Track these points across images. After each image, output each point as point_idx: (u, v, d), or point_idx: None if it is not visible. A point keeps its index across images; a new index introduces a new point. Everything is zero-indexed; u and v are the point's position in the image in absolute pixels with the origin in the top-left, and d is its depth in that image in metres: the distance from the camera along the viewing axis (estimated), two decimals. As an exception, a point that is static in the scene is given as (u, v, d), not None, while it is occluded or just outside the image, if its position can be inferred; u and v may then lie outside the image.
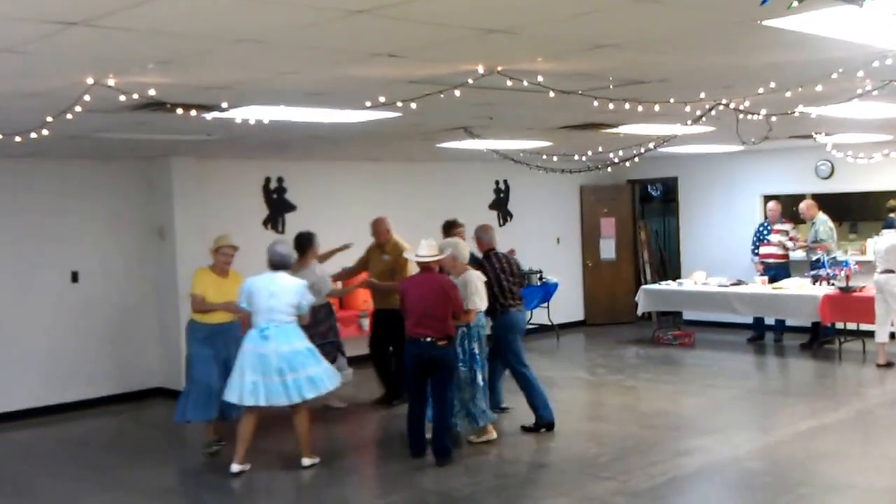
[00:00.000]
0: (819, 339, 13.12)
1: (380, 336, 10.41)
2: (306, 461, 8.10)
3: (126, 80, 5.55)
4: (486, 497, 7.34)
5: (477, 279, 8.51)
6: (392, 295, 9.53)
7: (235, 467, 8.01)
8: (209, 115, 6.94)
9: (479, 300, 8.42)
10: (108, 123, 7.65)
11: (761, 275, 13.59)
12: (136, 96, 5.76)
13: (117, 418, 10.67)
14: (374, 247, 10.49)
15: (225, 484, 8.08)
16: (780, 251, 13.80)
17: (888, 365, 11.43)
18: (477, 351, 8.52)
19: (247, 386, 7.84)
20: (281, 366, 7.82)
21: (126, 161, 11.35)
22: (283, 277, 8.07)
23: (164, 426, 10.37)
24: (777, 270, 13.71)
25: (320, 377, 8.04)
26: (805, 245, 13.70)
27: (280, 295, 7.94)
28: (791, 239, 13.83)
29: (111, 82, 5.53)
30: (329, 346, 9.55)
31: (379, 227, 10.41)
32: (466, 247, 8.82)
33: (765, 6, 3.66)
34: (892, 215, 14.24)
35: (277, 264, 8.13)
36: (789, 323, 13.73)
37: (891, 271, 11.19)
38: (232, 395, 7.98)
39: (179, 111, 6.31)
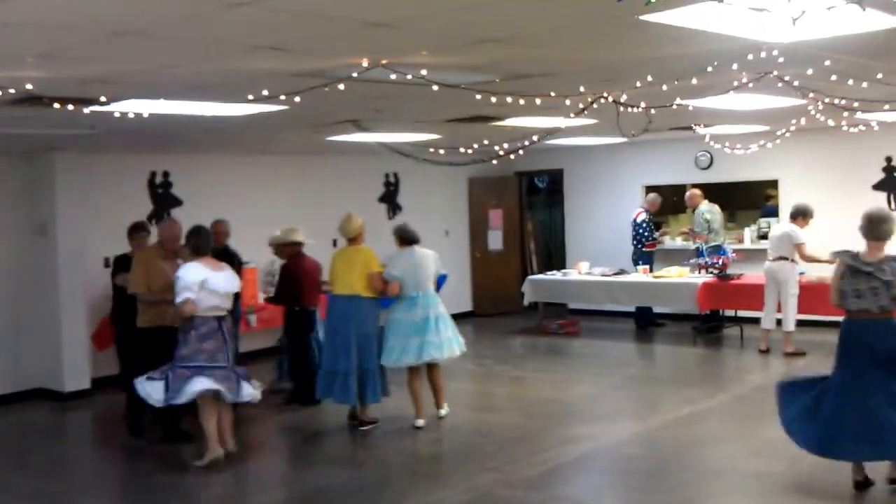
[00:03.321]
0: (707, 325, 13.49)
1: None
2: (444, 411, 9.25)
3: (2, 75, 5.40)
4: (371, 491, 7.34)
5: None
6: None
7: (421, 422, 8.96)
8: (87, 110, 6.79)
9: None
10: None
11: (644, 264, 13.91)
12: (12, 91, 5.61)
13: (-3, 420, 10.38)
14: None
15: (101, 486, 7.98)
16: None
17: (768, 351, 11.78)
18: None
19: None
20: (431, 327, 8.82)
21: (6, 156, 11.00)
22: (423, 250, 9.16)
23: (45, 428, 10.13)
24: (653, 260, 14.13)
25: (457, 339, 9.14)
26: (685, 232, 14.12)
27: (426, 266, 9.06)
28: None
29: (-14, 76, 5.39)
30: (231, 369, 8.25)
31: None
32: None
33: (621, 3, 3.76)
34: (769, 203, 14.76)
35: (413, 239, 9.12)
36: (675, 310, 14.10)
37: (783, 258, 11.50)
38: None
39: (57, 106, 6.16)
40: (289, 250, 9.90)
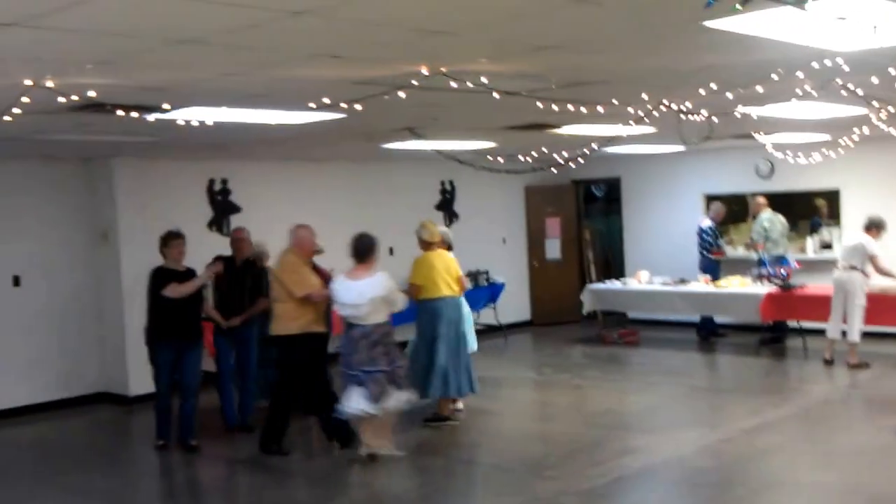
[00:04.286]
0: (771, 336, 13.31)
1: None
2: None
3: (65, 82, 5.47)
4: (435, 498, 7.37)
5: None
6: None
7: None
8: (150, 117, 6.87)
9: None
10: (48, 125, 7.53)
11: (709, 273, 13.75)
12: (75, 98, 5.68)
13: (63, 424, 10.50)
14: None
15: (170, 488, 8.03)
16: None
17: (832, 361, 11.58)
18: None
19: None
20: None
21: (68, 162, 11.19)
22: None
23: (110, 431, 10.28)
24: (719, 269, 13.97)
25: None
26: (748, 243, 13.96)
27: None
28: None
29: (50, 84, 5.45)
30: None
31: None
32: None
33: (710, 8, 3.68)
34: (816, 215, 14.62)
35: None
36: (737, 321, 13.94)
37: (854, 268, 11.33)
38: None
39: (120, 113, 6.24)
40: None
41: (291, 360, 8.38)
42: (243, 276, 9.30)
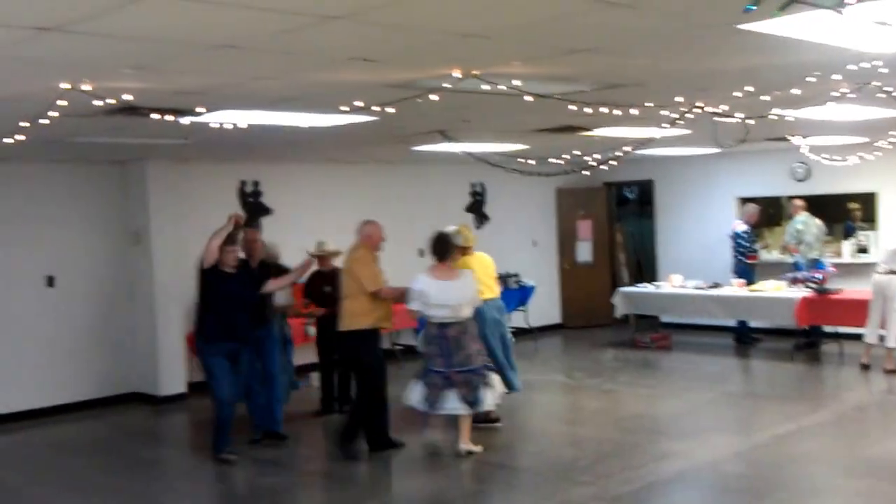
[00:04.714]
0: (809, 340, 13.17)
1: None
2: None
3: (101, 86, 5.51)
4: (466, 501, 7.34)
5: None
6: None
7: None
8: (185, 120, 6.90)
9: None
10: (84, 128, 7.59)
11: (743, 276, 13.64)
12: (111, 101, 5.71)
13: (95, 424, 10.56)
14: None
15: (199, 490, 8.05)
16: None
17: (869, 366, 11.45)
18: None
19: None
20: None
21: (101, 165, 11.27)
22: None
23: (142, 431, 10.32)
24: (754, 273, 13.85)
25: None
26: (783, 245, 13.84)
27: None
28: None
29: (86, 87, 5.49)
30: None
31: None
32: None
33: (748, 12, 3.65)
34: (849, 220, 14.46)
35: None
36: (771, 325, 13.83)
37: (894, 273, 11.17)
38: None
39: (155, 116, 6.27)
40: (330, 260, 10.03)
41: (361, 355, 8.45)
42: (261, 278, 9.22)
